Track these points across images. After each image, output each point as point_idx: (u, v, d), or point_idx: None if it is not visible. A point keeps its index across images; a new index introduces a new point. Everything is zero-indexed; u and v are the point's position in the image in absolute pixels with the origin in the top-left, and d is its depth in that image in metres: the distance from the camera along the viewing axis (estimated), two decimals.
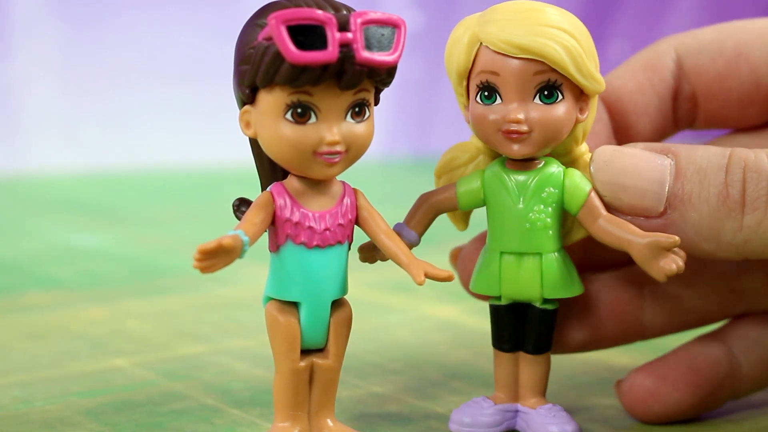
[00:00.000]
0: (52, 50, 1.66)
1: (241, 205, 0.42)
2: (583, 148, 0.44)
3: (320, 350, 0.41)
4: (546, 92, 0.41)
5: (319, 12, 0.36)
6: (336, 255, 0.40)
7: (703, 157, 0.41)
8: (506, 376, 0.45)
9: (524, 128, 0.41)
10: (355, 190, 0.41)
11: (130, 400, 0.50)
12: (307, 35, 0.36)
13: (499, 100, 0.41)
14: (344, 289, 0.41)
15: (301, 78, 0.37)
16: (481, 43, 0.42)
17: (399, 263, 0.41)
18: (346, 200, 0.40)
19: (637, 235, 0.41)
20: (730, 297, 0.48)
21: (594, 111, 0.43)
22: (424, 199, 0.45)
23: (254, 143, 0.41)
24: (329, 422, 0.42)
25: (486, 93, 0.42)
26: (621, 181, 0.42)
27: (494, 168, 0.43)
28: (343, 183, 0.41)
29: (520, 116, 0.41)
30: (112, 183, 1.56)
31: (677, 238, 0.40)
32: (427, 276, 0.40)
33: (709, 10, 2.31)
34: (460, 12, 0.44)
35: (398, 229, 0.45)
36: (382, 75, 0.38)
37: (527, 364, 0.45)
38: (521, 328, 0.44)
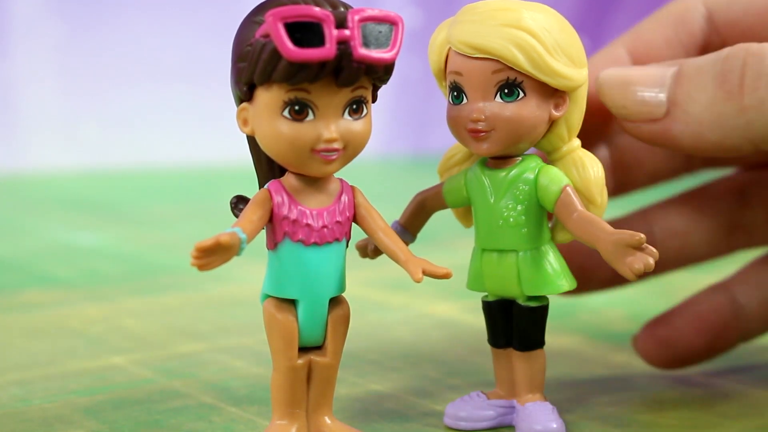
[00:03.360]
0: (52, 50, 1.66)
1: (239, 203, 0.42)
2: (575, 143, 0.44)
3: (318, 348, 0.41)
4: (506, 90, 0.41)
5: (317, 9, 0.36)
6: (334, 252, 0.40)
7: (704, 57, 0.42)
8: (503, 373, 0.46)
9: (482, 126, 0.42)
10: (353, 188, 0.41)
11: (128, 398, 0.50)
12: (305, 32, 0.36)
13: (465, 100, 0.42)
14: (342, 286, 0.41)
15: (298, 75, 0.37)
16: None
17: (397, 261, 0.41)
18: (344, 198, 0.40)
19: (606, 232, 0.41)
20: (732, 232, 0.52)
21: (580, 106, 0.43)
22: (416, 197, 0.46)
23: (252, 141, 0.40)
24: (327, 420, 0.42)
25: (455, 93, 0.43)
26: (623, 90, 0.44)
27: (475, 166, 0.44)
28: (341, 180, 0.41)
29: (479, 115, 0.42)
30: (111, 182, 1.56)
31: (643, 236, 0.40)
32: (424, 273, 0.40)
33: None
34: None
35: (392, 228, 0.46)
36: (380, 72, 0.38)
37: (518, 360, 0.45)
38: (511, 324, 0.45)
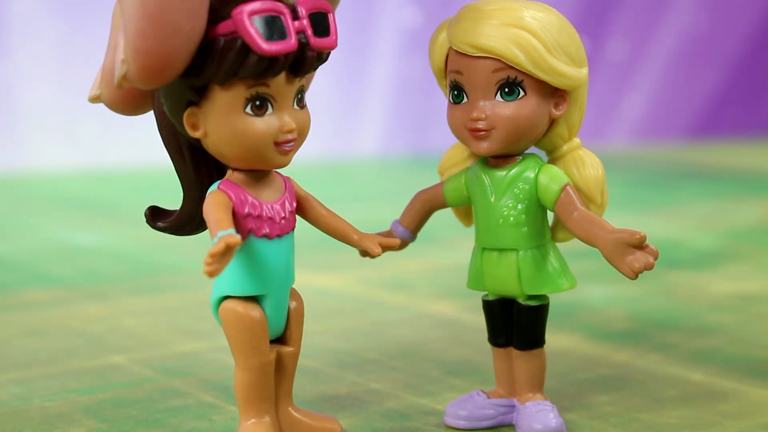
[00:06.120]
0: (51, 49, 1.66)
1: (155, 215, 0.42)
2: (575, 142, 0.44)
3: (277, 339, 0.41)
4: (507, 89, 0.41)
5: (277, 2, 0.37)
6: (291, 243, 0.40)
7: None
8: (503, 372, 0.46)
9: (482, 125, 0.42)
10: (288, 178, 0.41)
11: (128, 397, 0.50)
12: (270, 26, 0.36)
13: (465, 99, 0.42)
14: (294, 276, 0.42)
15: (267, 70, 0.37)
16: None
17: (349, 240, 0.42)
18: (287, 188, 0.41)
19: (606, 231, 0.41)
20: None
21: (580, 105, 0.43)
22: (416, 196, 0.46)
23: (173, 146, 0.40)
24: (292, 409, 0.42)
25: (455, 92, 0.43)
26: None
27: (475, 165, 0.44)
28: (278, 173, 0.41)
29: (479, 114, 0.42)
30: (111, 181, 1.56)
31: (644, 234, 0.40)
32: (381, 246, 0.42)
33: (707, 8, 2.31)
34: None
35: (392, 227, 0.46)
36: (324, 59, 0.39)
37: (518, 359, 0.45)
38: (511, 323, 0.45)
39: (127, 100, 0.39)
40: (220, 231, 0.36)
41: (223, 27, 0.36)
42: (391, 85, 1.94)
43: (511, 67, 0.41)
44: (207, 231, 0.42)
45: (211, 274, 0.36)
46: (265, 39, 0.36)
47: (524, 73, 0.41)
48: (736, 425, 0.46)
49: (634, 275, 0.40)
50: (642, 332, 0.63)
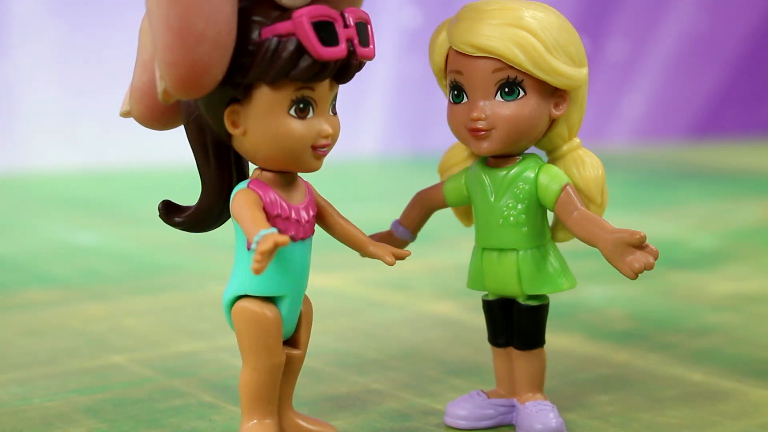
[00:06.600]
0: (51, 49, 1.66)
1: (169, 210, 0.41)
2: (575, 142, 0.44)
3: (286, 341, 0.41)
4: (507, 89, 0.42)
5: (331, 9, 0.37)
6: (310, 247, 0.41)
7: None
8: (503, 372, 0.46)
9: (482, 125, 0.42)
10: (308, 183, 0.41)
11: (128, 397, 0.50)
12: (324, 32, 0.37)
13: (465, 99, 0.42)
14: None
15: (318, 74, 0.37)
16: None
17: (363, 248, 0.42)
18: (309, 193, 0.41)
19: (606, 231, 0.41)
20: None
21: (580, 105, 0.43)
22: (416, 196, 0.46)
23: (198, 142, 0.40)
24: (291, 411, 0.42)
25: (455, 92, 0.43)
26: None
27: (475, 165, 0.44)
28: (300, 177, 0.41)
29: (479, 114, 0.42)
30: (112, 180, 1.56)
31: (644, 234, 0.40)
32: (394, 256, 0.42)
33: (707, 8, 2.31)
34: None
35: (392, 227, 0.46)
36: (361, 68, 0.39)
37: (518, 359, 0.45)
38: (511, 323, 0.45)
39: (156, 115, 0.40)
40: (262, 230, 0.36)
41: (277, 28, 0.37)
42: (391, 85, 1.94)
43: (511, 67, 0.41)
44: (218, 229, 0.42)
45: (258, 272, 0.36)
46: (321, 44, 0.37)
47: (524, 73, 0.41)
48: (736, 425, 0.46)
49: (634, 275, 0.40)
50: (642, 332, 0.63)
